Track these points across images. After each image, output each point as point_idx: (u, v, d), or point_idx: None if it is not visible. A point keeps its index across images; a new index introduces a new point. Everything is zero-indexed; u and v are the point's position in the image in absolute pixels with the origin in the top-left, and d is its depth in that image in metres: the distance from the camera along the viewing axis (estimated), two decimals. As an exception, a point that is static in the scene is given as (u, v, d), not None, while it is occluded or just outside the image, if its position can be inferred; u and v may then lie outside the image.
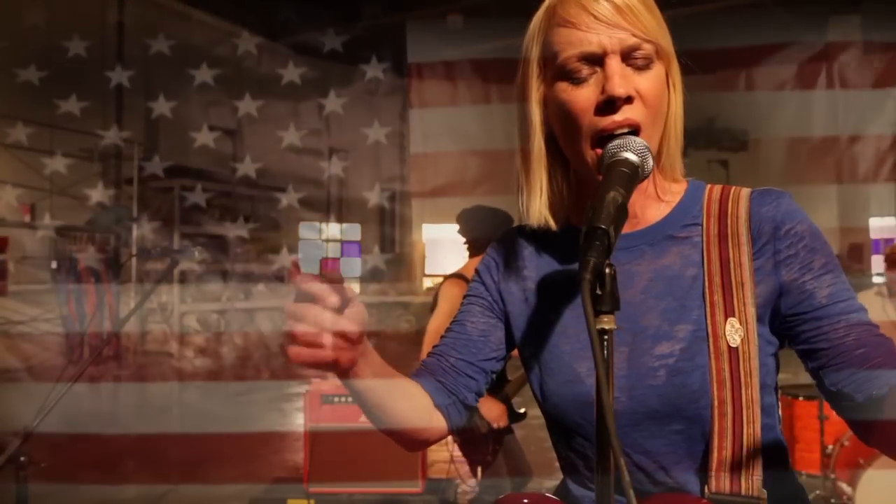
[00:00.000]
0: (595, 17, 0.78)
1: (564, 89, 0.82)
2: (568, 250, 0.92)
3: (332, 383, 3.82)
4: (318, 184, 10.21)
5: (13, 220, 8.75)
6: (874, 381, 0.77)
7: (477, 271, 1.00)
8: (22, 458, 1.84)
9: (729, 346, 0.82)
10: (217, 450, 4.84)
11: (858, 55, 9.45)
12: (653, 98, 0.80)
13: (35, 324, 8.73)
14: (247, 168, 6.82)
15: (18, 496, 1.86)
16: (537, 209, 0.89)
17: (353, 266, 13.88)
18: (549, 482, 2.95)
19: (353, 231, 13.86)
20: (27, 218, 8.88)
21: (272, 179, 7.98)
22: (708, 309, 0.83)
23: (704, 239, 0.86)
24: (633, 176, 0.77)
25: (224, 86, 6.01)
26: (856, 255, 10.28)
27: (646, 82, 0.80)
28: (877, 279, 9.15)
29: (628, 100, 0.79)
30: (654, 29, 0.79)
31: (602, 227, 0.67)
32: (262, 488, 3.65)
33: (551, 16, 0.83)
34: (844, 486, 3.08)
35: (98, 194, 8.95)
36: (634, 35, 0.78)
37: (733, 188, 0.89)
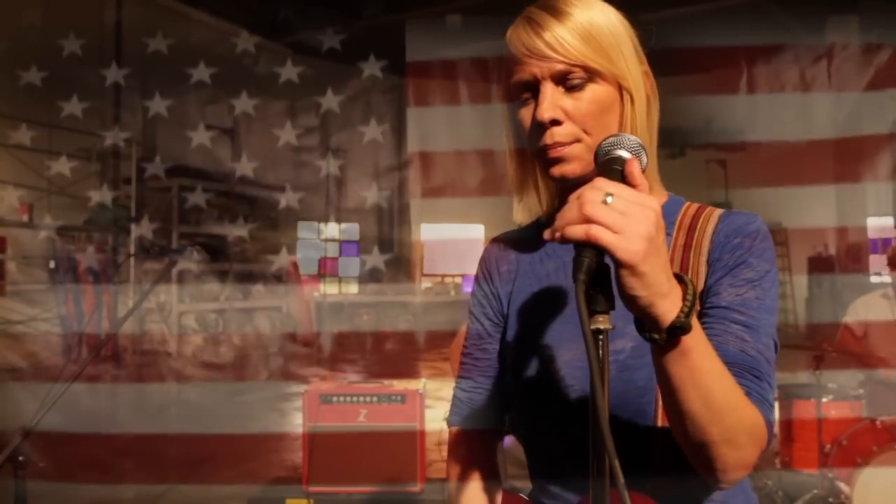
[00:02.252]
0: (528, 49, 0.88)
1: (517, 108, 0.93)
2: (540, 247, 1.01)
3: (330, 383, 3.81)
4: (316, 183, 10.21)
5: (11, 220, 8.74)
6: None
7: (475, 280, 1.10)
8: (20, 458, 1.84)
9: None
10: (216, 449, 4.84)
11: (857, 55, 9.46)
12: (582, 117, 0.89)
13: (33, 323, 8.72)
14: (245, 167, 6.82)
15: (17, 495, 1.86)
16: (518, 210, 0.99)
17: (351, 266, 13.87)
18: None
19: (352, 231, 13.86)
20: (25, 217, 8.87)
21: (271, 179, 7.98)
22: None
23: (671, 249, 0.91)
24: None
25: (222, 85, 6.01)
26: (853, 254, 10.30)
27: (576, 103, 0.89)
28: (874, 279, 9.17)
29: (556, 122, 0.88)
30: (588, 54, 0.87)
31: None
32: (260, 488, 3.65)
33: (505, 48, 0.94)
34: (842, 486, 3.09)
35: (96, 194, 8.96)
36: (563, 62, 0.87)
37: (709, 207, 0.96)
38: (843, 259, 9.90)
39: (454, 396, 1.07)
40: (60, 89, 6.16)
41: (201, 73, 5.92)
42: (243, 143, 9.40)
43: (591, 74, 0.88)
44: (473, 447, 1.05)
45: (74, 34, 6.21)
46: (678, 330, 0.70)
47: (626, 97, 0.90)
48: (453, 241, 13.49)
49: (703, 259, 0.90)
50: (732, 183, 9.96)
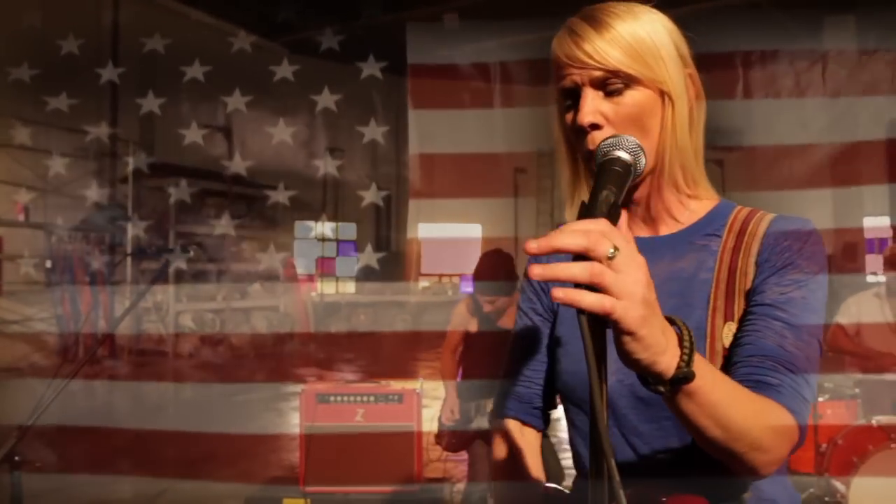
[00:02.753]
0: (568, 59, 0.91)
1: (563, 112, 0.95)
2: None
3: (327, 383, 3.81)
4: (314, 182, 10.20)
5: (7, 219, 8.72)
6: None
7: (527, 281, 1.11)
8: (16, 458, 1.84)
9: (724, 347, 0.89)
10: (213, 449, 4.83)
11: (854, 56, 9.49)
12: (621, 121, 0.90)
13: (29, 323, 8.70)
14: (242, 167, 6.81)
15: (13, 495, 1.86)
16: (570, 210, 1.00)
17: (348, 265, 13.87)
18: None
19: (349, 230, 13.86)
20: (21, 217, 8.85)
21: (268, 178, 7.97)
22: (710, 312, 0.91)
23: (721, 249, 0.94)
24: (626, 174, 0.80)
25: (220, 84, 6.00)
26: (850, 254, 10.33)
27: (615, 108, 0.90)
28: (871, 278, 9.19)
29: (596, 126, 0.90)
30: (626, 63, 0.89)
31: None
32: (258, 488, 3.65)
33: (551, 52, 0.96)
34: (838, 485, 3.10)
35: (93, 193, 8.93)
36: (601, 69, 0.89)
37: (761, 212, 0.97)
38: (840, 259, 9.93)
39: (501, 390, 1.09)
40: (56, 88, 6.14)
41: (197, 71, 5.91)
42: (240, 142, 9.40)
43: (630, 80, 0.90)
44: (519, 440, 1.07)
45: (72, 33, 6.20)
46: (681, 380, 0.71)
47: (668, 101, 0.92)
48: (451, 240, 13.50)
49: (752, 260, 0.91)
50: (729, 184, 9.97)
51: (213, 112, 7.61)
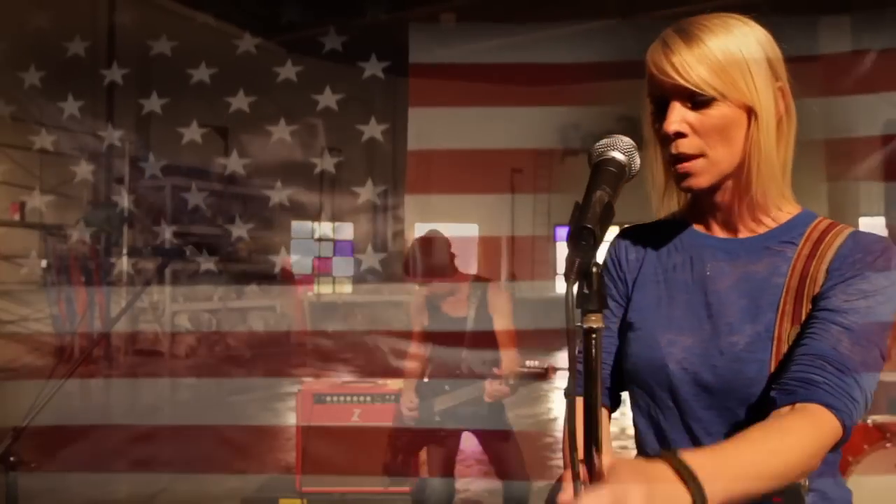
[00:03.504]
0: (658, 70, 0.95)
1: (652, 116, 0.99)
2: (669, 240, 1.08)
3: (323, 382, 3.81)
4: (311, 182, 10.18)
5: (2, 219, 8.70)
6: (778, 396, 0.87)
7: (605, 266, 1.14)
8: (11, 458, 1.83)
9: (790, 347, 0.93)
10: (209, 449, 4.82)
11: (849, 57, 9.51)
12: (706, 131, 0.94)
13: (25, 323, 8.68)
14: (239, 166, 6.79)
15: (8, 496, 1.85)
16: (654, 206, 1.06)
17: (345, 265, 13.85)
18: (540, 483, 2.95)
19: (346, 230, 13.84)
20: (17, 217, 8.83)
21: (265, 178, 7.96)
22: (779, 316, 0.94)
23: (795, 256, 0.97)
24: (620, 175, 0.80)
25: (219, 84, 5.99)
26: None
27: (701, 118, 0.94)
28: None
29: (680, 135, 0.94)
30: (713, 82, 0.93)
31: (588, 227, 0.68)
32: (254, 487, 3.65)
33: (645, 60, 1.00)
34: (833, 485, 3.11)
35: (89, 193, 8.91)
36: (686, 84, 0.93)
37: (841, 225, 0.99)
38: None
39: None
40: (55, 89, 6.13)
41: (202, 73, 5.90)
42: (237, 141, 9.38)
43: (713, 96, 0.93)
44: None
45: (74, 35, 6.19)
46: None
47: (753, 116, 0.94)
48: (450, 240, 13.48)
49: (824, 267, 0.94)
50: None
51: (211, 112, 7.59)
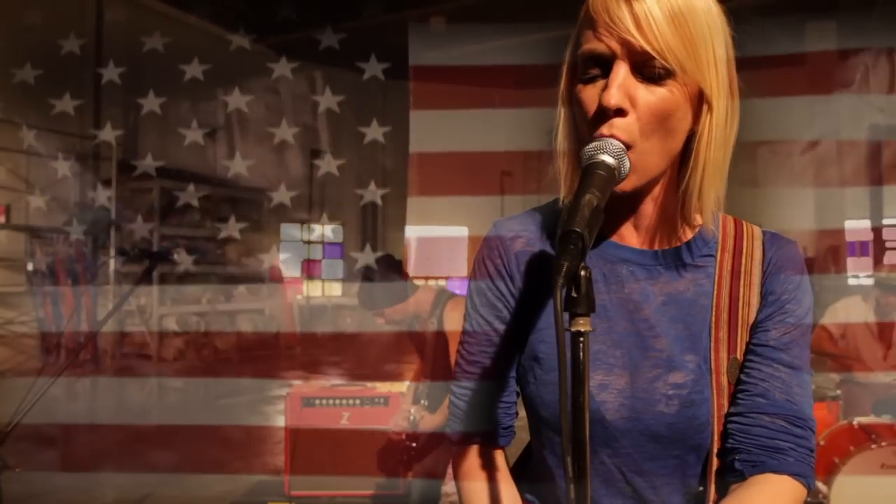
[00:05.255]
0: (611, 20, 0.75)
1: (579, 89, 0.80)
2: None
3: (312, 385, 3.80)
4: (300, 184, 10.13)
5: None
6: (738, 457, 0.85)
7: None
8: (-4, 463, 1.81)
9: (729, 383, 0.86)
10: (197, 452, 4.79)
11: (835, 60, 9.60)
12: (649, 114, 0.76)
13: (10, 326, 8.59)
14: (233, 167, 6.76)
15: (-7, 500, 1.84)
16: (562, 194, 0.87)
17: (335, 268, 13.82)
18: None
19: (336, 232, 13.81)
20: (2, 219, 8.74)
21: (256, 179, 7.93)
22: (713, 344, 0.85)
23: (717, 273, 0.86)
24: (610, 179, 0.76)
25: (213, 83, 5.96)
26: (832, 256, 10.44)
27: (648, 96, 0.76)
28: (852, 281, 9.31)
29: (620, 112, 0.76)
30: (676, 47, 0.75)
31: (577, 231, 0.68)
32: (242, 491, 3.63)
33: (583, 13, 0.80)
34: (820, 485, 3.13)
35: (76, 195, 8.83)
36: (646, 47, 0.74)
37: (745, 224, 0.90)
38: (822, 261, 10.03)
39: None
40: (42, 88, 6.08)
41: (192, 69, 5.86)
42: (233, 142, 9.33)
43: (673, 69, 0.75)
44: (485, 456, 0.93)
45: (64, 33, 6.14)
46: None
47: (705, 107, 0.79)
48: (438, 242, 13.49)
49: (756, 290, 0.86)
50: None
51: (202, 113, 7.56)
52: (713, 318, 0.85)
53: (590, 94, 0.79)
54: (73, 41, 6.17)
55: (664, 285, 0.86)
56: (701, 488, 0.88)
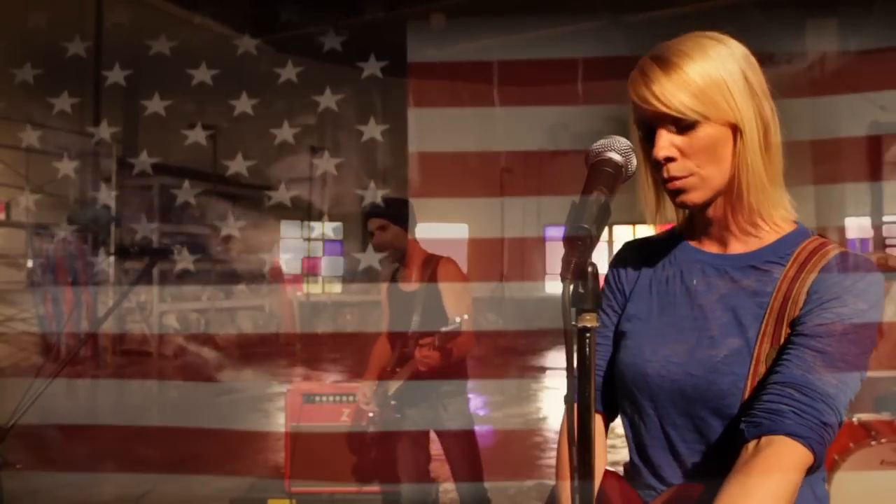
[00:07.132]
0: (642, 101, 0.96)
1: (643, 145, 1.01)
2: (665, 255, 1.12)
3: (312, 383, 3.80)
4: (300, 182, 10.14)
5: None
6: (753, 423, 0.90)
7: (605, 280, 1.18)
8: (-3, 459, 1.81)
9: (766, 371, 0.94)
10: (198, 450, 4.80)
11: (835, 58, 9.59)
12: (694, 152, 0.96)
13: (10, 324, 8.60)
14: (231, 166, 6.76)
15: (-6, 497, 1.84)
16: (648, 223, 1.09)
17: (335, 265, 13.82)
18: (529, 482, 2.96)
19: (336, 230, 13.81)
20: (2, 216, 8.74)
21: (256, 178, 7.94)
22: (760, 335, 0.96)
23: (781, 277, 0.99)
24: (617, 175, 0.82)
25: (214, 83, 5.95)
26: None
27: (689, 141, 0.96)
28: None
29: (670, 159, 0.97)
30: (694, 106, 0.94)
31: (584, 227, 0.69)
32: (243, 488, 3.63)
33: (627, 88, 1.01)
34: (820, 482, 3.13)
35: (76, 192, 8.83)
36: (668, 112, 0.95)
37: (832, 244, 1.00)
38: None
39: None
40: (43, 87, 6.08)
41: (200, 74, 5.87)
42: (233, 141, 9.33)
43: (696, 119, 0.95)
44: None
45: (61, 33, 6.14)
46: None
47: (738, 132, 0.96)
48: (438, 241, 13.50)
49: (805, 290, 0.96)
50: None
51: (204, 113, 7.56)
52: (766, 315, 0.96)
53: (647, 150, 1.00)
54: (76, 41, 6.17)
55: (730, 281, 1.02)
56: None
